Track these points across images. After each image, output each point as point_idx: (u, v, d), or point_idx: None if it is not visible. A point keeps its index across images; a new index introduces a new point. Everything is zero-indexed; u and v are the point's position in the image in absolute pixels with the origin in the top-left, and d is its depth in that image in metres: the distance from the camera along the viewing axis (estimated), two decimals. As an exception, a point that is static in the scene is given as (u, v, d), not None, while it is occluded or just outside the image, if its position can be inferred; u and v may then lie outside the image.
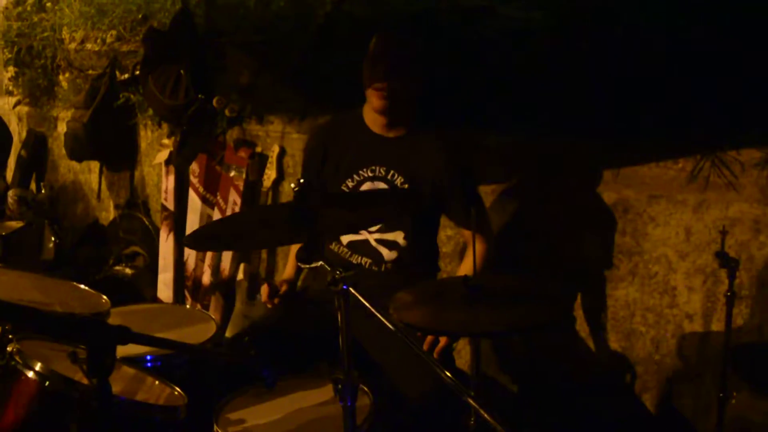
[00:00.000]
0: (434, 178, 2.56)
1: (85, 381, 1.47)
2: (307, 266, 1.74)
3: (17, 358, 1.75)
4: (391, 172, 2.57)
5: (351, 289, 1.65)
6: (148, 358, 2.27)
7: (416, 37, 2.68)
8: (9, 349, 1.78)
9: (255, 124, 3.86)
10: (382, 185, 2.58)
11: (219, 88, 3.88)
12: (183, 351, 2.18)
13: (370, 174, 2.59)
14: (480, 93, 2.98)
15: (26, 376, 1.73)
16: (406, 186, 2.55)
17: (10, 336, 1.86)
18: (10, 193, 5.15)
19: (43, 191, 5.31)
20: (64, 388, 1.68)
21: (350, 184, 2.60)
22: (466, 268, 2.57)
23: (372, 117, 2.61)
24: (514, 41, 2.91)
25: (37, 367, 1.73)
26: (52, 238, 4.83)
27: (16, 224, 3.99)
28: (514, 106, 2.90)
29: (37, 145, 5.48)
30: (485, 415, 1.52)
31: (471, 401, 1.59)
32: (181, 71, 3.85)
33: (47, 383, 1.70)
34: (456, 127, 2.87)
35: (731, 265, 2.25)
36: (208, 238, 2.09)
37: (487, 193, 3.01)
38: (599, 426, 2.77)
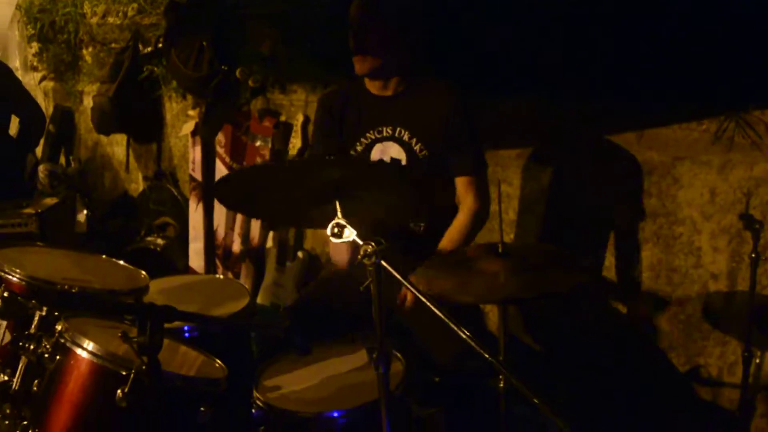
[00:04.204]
0: (442, 119, 2.53)
1: (133, 357, 1.53)
2: (339, 240, 1.77)
3: (66, 336, 1.82)
4: (398, 129, 2.57)
5: (383, 262, 1.69)
6: (186, 328, 2.35)
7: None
8: (58, 327, 1.85)
9: (278, 94, 3.89)
10: (391, 145, 2.57)
11: (241, 59, 3.90)
12: (223, 326, 2.26)
13: (377, 135, 2.59)
14: (495, 55, 2.97)
15: (76, 354, 1.79)
16: (414, 140, 2.54)
17: (56, 313, 1.94)
18: (41, 167, 5.23)
19: (72, 165, 5.39)
20: (113, 365, 1.75)
21: (359, 147, 2.61)
22: (451, 232, 2.53)
23: (369, 80, 2.61)
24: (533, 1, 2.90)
25: (86, 344, 1.79)
26: (84, 211, 4.92)
27: (50, 201, 4.06)
28: (531, 69, 2.89)
29: (64, 119, 5.53)
30: (514, 381, 1.57)
31: (500, 367, 1.64)
32: (204, 43, 3.87)
33: (96, 360, 1.77)
34: (470, 91, 2.88)
35: (755, 227, 2.27)
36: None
37: (511, 157, 3.04)
38: (627, 384, 2.82)
